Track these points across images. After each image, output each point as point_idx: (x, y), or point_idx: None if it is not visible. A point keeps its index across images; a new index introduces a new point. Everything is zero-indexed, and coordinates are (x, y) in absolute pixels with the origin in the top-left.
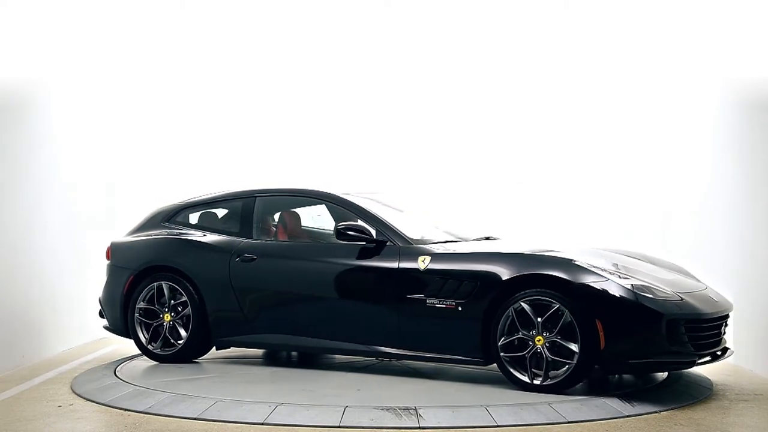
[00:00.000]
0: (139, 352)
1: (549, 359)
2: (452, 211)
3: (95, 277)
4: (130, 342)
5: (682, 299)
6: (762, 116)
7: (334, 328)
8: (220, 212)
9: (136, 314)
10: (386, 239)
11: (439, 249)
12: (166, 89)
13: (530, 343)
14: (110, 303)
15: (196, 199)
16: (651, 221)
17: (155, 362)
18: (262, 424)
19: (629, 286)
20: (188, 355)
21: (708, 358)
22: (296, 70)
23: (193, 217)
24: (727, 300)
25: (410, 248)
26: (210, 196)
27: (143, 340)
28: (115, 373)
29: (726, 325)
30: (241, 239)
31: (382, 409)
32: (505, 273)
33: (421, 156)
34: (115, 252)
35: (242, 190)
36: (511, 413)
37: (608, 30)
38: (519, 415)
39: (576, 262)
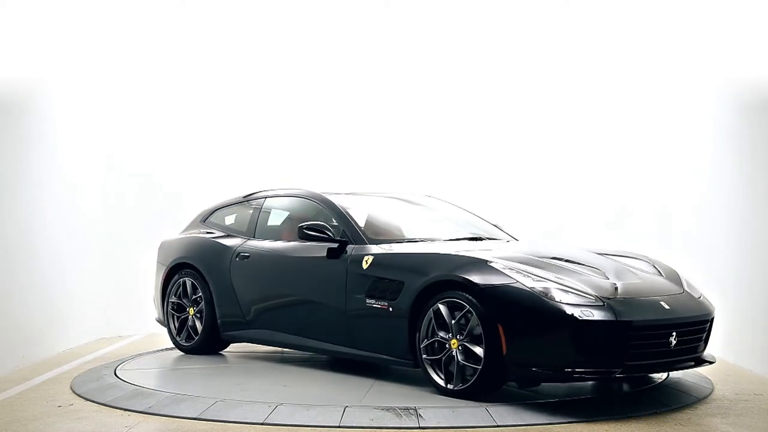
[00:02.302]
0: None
1: (460, 363)
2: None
3: (95, 277)
4: (130, 342)
5: (603, 304)
6: (761, 116)
7: (302, 325)
8: (245, 213)
9: (169, 307)
10: (347, 239)
11: (383, 249)
12: (166, 89)
13: (447, 345)
14: (156, 297)
15: (228, 200)
16: (650, 220)
17: (185, 353)
18: (262, 424)
19: (537, 289)
20: (205, 348)
21: (663, 370)
22: (298, 71)
23: (224, 218)
24: (704, 306)
25: (363, 248)
26: (236, 197)
27: (173, 331)
28: (115, 373)
29: (695, 333)
30: (245, 239)
31: (382, 409)
32: (426, 274)
33: (424, 154)
34: (159, 250)
35: (258, 191)
36: (511, 413)
37: (608, 30)
38: (519, 415)
39: (490, 263)
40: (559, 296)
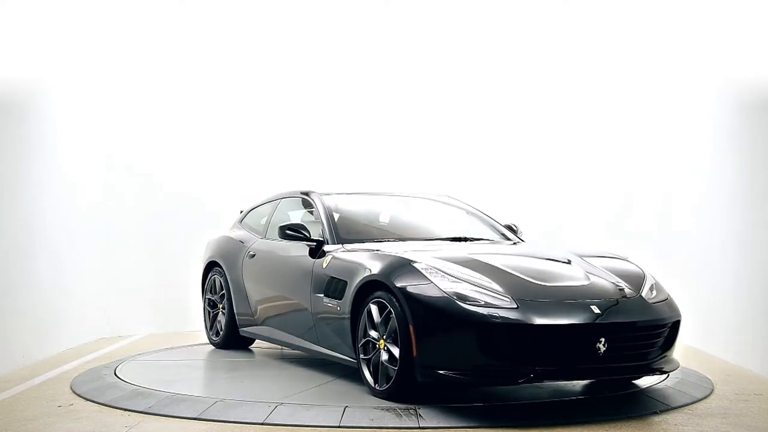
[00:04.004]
0: (137, 352)
1: (384, 364)
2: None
3: (95, 277)
4: (130, 342)
5: (517, 307)
6: (761, 116)
7: (289, 323)
8: (265, 213)
9: (205, 304)
10: (323, 239)
11: (343, 249)
12: (166, 89)
13: (377, 346)
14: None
15: (260, 201)
16: (650, 220)
17: (215, 348)
18: (262, 424)
19: (448, 291)
20: (228, 344)
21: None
22: (300, 70)
23: (254, 219)
24: (657, 311)
25: (331, 248)
26: (266, 198)
27: (207, 326)
28: (115, 373)
29: (642, 339)
30: (258, 238)
31: (382, 409)
32: (361, 274)
33: (424, 154)
34: (204, 248)
35: (280, 192)
36: (511, 413)
37: (608, 30)
38: (519, 414)
39: (413, 264)
40: (471, 298)
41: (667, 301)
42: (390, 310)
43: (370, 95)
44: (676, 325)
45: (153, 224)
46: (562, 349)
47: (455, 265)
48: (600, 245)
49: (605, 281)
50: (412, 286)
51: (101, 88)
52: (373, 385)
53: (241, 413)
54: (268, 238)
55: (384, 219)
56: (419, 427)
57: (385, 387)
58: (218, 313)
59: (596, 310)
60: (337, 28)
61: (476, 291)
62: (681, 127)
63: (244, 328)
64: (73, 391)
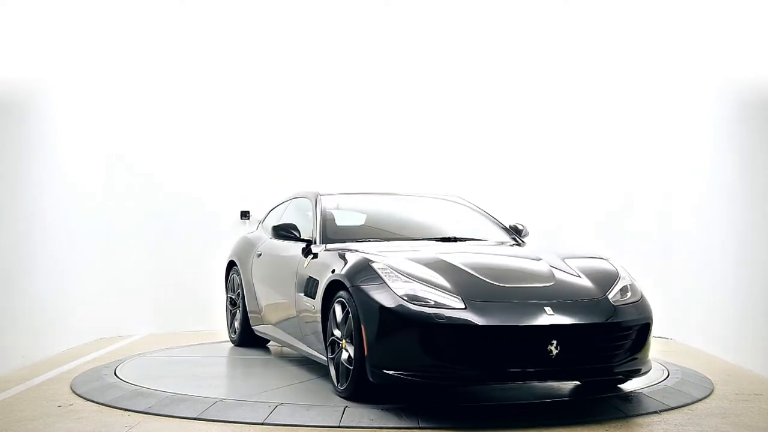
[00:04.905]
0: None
1: (343, 364)
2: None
3: (95, 277)
4: (130, 342)
5: (465, 307)
6: (761, 116)
7: (281, 321)
8: (279, 214)
9: (227, 302)
10: (312, 239)
11: (324, 249)
12: (166, 89)
13: (340, 345)
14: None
15: (279, 201)
16: (650, 220)
17: (233, 345)
18: (262, 424)
19: (398, 292)
20: (243, 341)
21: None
22: (301, 70)
23: (271, 219)
24: (621, 314)
25: (317, 248)
26: (283, 198)
27: (227, 324)
28: (115, 373)
29: (605, 342)
30: (267, 238)
31: (382, 409)
32: (328, 274)
33: (423, 154)
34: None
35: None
36: (511, 413)
37: (608, 30)
38: (519, 415)
39: (371, 264)
40: (421, 298)
41: (637, 304)
42: (348, 310)
43: (369, 95)
44: (645, 328)
45: (153, 224)
46: (510, 350)
47: (419, 265)
48: (600, 245)
49: (571, 283)
50: (366, 286)
51: (101, 89)
52: (335, 384)
53: (241, 413)
54: (273, 239)
55: (361, 220)
56: (419, 427)
57: (344, 386)
58: (236, 311)
59: (549, 312)
60: (337, 27)
61: (427, 291)
62: (681, 127)
63: (255, 327)
64: (73, 391)
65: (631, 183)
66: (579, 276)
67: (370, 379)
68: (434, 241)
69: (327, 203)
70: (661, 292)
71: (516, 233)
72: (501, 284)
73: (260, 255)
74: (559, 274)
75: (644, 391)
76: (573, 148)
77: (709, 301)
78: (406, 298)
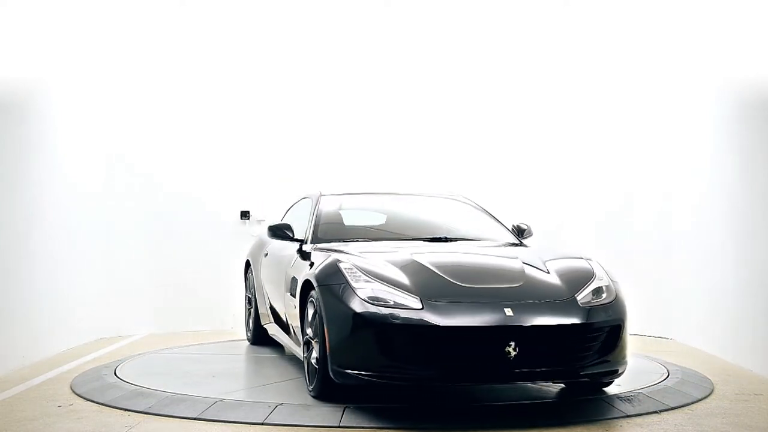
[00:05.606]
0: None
1: (311, 364)
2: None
3: (95, 277)
4: (130, 342)
5: (422, 308)
6: (761, 116)
7: (278, 318)
8: (289, 215)
9: (245, 301)
10: (305, 239)
11: (310, 249)
12: (166, 89)
13: (312, 344)
14: None
15: (293, 202)
16: (650, 220)
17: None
18: (262, 424)
19: (358, 292)
20: (257, 339)
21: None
22: (301, 70)
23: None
24: (587, 315)
25: (307, 248)
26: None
27: (244, 322)
28: (115, 373)
29: (570, 344)
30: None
31: (381, 409)
32: (304, 274)
33: (424, 154)
34: None
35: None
36: (511, 413)
37: (608, 30)
38: (520, 415)
39: (338, 263)
40: (380, 299)
41: (610, 305)
42: (316, 309)
43: (371, 95)
44: (615, 329)
45: (153, 224)
46: (467, 351)
47: (388, 265)
48: (600, 245)
49: (540, 283)
50: (331, 286)
51: (101, 89)
52: (307, 384)
53: (241, 413)
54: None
55: (347, 221)
56: (419, 428)
57: (312, 386)
58: (252, 309)
59: (509, 313)
60: (337, 27)
61: (387, 292)
62: (681, 127)
63: (265, 325)
64: (73, 391)
65: (631, 183)
66: (550, 276)
67: (334, 379)
68: (424, 241)
69: (325, 203)
70: (661, 291)
71: (519, 233)
72: (465, 284)
73: (267, 255)
74: (529, 275)
75: (644, 391)
76: (573, 149)
77: (709, 301)
78: (366, 299)
